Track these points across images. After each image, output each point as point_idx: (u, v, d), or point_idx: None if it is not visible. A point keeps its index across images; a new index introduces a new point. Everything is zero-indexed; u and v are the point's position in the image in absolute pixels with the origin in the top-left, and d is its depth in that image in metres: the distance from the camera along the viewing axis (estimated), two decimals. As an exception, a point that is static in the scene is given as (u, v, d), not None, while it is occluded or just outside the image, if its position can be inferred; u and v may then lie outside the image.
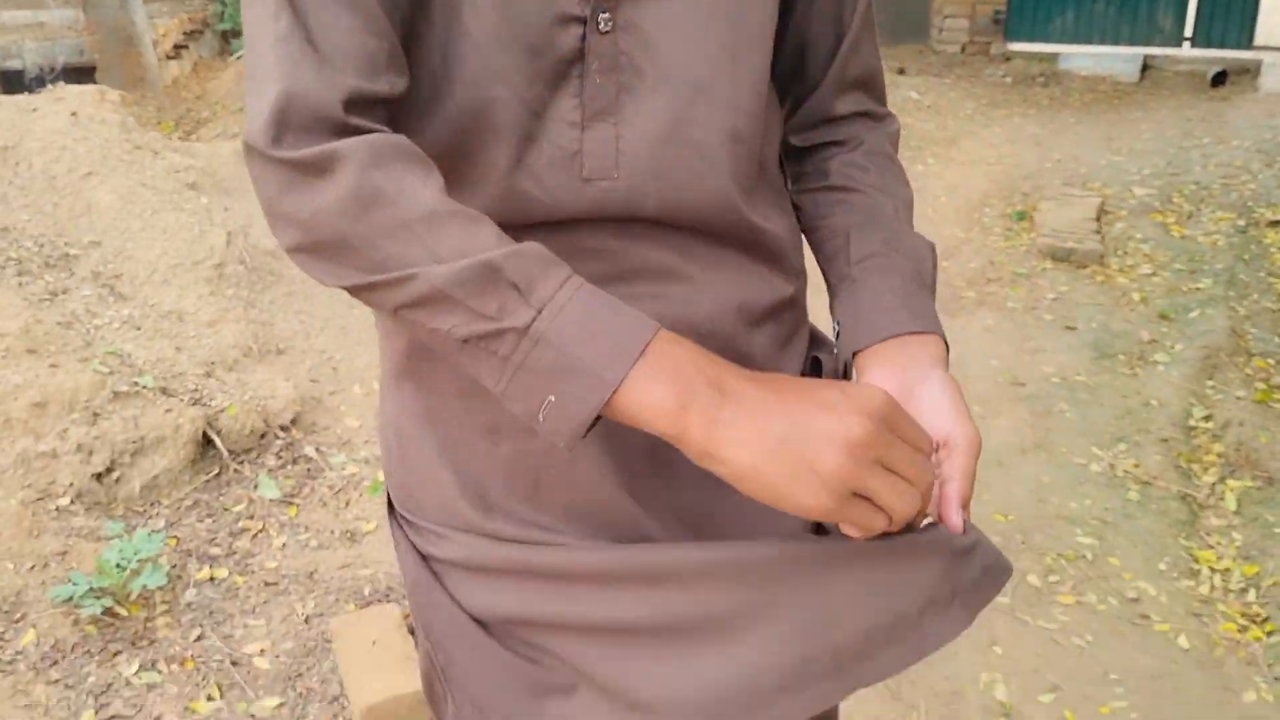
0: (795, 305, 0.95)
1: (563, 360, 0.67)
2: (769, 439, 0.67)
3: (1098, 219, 4.91)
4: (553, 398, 0.67)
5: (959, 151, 5.91)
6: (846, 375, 0.91)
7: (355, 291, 0.72)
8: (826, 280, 0.94)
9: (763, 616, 0.77)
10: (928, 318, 0.86)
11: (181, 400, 2.78)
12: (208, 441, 2.81)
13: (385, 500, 0.99)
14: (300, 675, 2.28)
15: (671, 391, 0.67)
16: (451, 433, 0.87)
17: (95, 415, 2.65)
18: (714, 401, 0.67)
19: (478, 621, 0.88)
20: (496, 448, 0.85)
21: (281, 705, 2.21)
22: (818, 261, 0.97)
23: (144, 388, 2.75)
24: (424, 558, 0.92)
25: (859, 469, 0.66)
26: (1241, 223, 4.91)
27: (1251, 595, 2.63)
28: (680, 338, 0.70)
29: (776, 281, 0.91)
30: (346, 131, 0.71)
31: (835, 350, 0.91)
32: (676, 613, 0.79)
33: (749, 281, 0.88)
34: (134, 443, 2.65)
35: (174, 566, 2.52)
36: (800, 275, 0.95)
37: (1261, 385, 3.53)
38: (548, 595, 0.84)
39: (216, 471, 2.82)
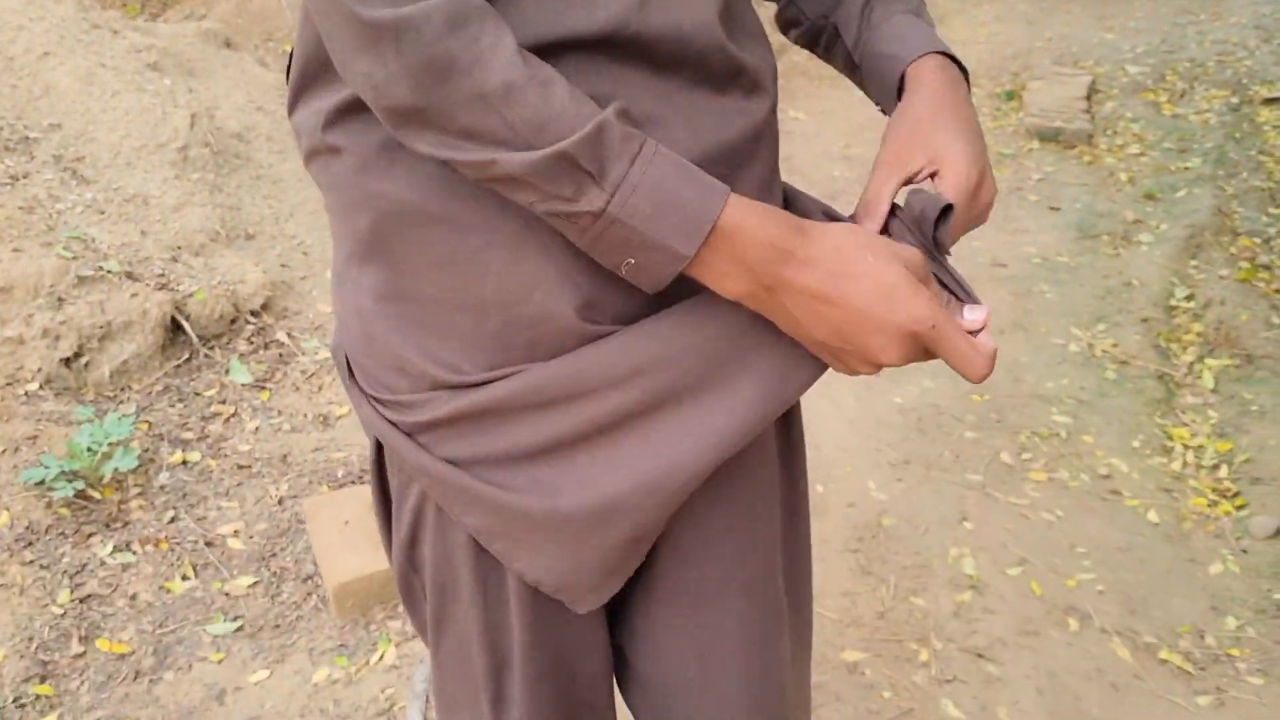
0: (770, 134, 0.92)
1: (637, 237, 0.72)
2: (815, 337, 0.78)
3: (1088, 98, 4.81)
4: (632, 260, 0.74)
5: (948, 30, 5.76)
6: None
7: (438, 160, 0.73)
8: (854, 79, 1.00)
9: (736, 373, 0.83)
10: (919, 44, 0.92)
11: (148, 285, 2.74)
12: (177, 327, 2.78)
13: (345, 372, 0.94)
14: (274, 555, 2.30)
15: (735, 276, 0.75)
16: (428, 310, 0.83)
17: (60, 300, 2.61)
18: (772, 288, 0.76)
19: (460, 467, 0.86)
20: (484, 322, 0.82)
21: (256, 584, 2.23)
22: (836, 67, 1.02)
23: (109, 272, 2.70)
24: (392, 423, 0.89)
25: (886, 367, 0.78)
26: (1235, 100, 4.82)
27: (1223, 471, 2.65)
28: (747, 203, 0.74)
29: (752, 107, 0.88)
30: None
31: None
32: (672, 386, 0.82)
33: (726, 117, 0.85)
34: (101, 328, 2.62)
35: (146, 450, 2.51)
36: (774, 110, 0.92)
37: (1245, 264, 3.51)
38: (549, 415, 0.82)
39: (187, 357, 2.79)
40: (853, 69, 0.98)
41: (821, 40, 1.01)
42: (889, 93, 0.94)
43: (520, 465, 0.85)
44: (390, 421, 0.88)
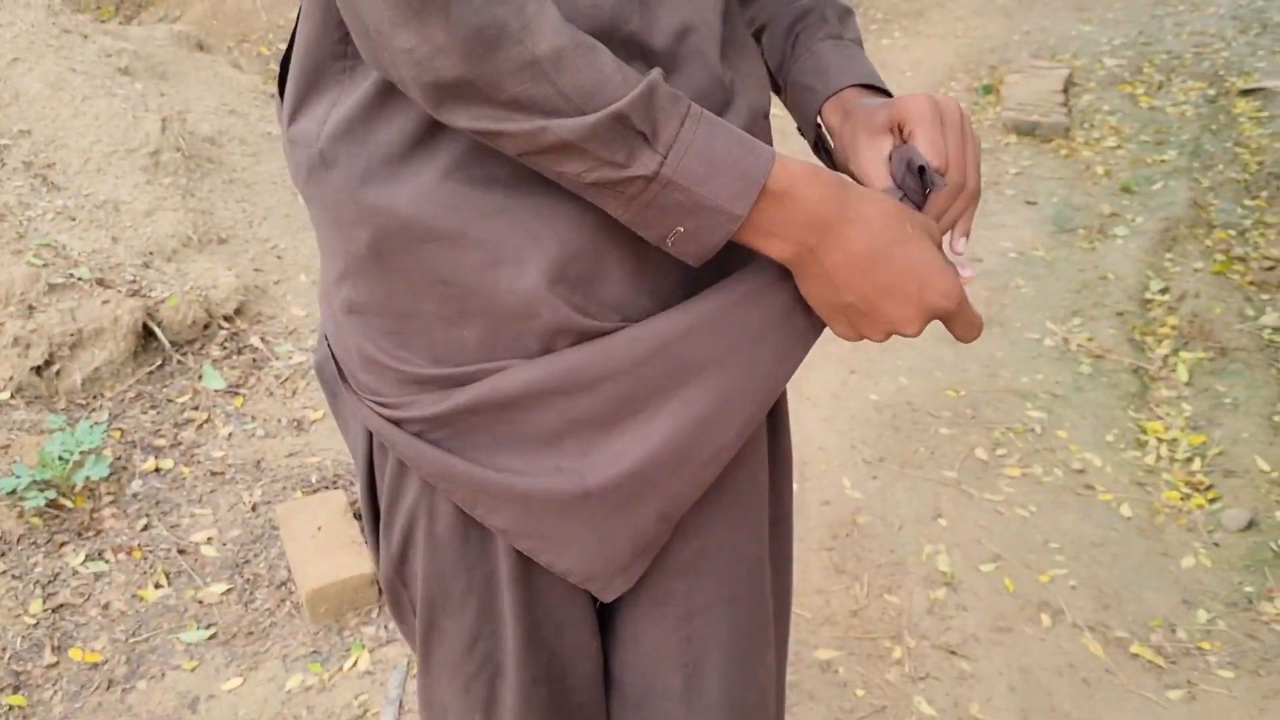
0: (762, 139, 0.92)
1: (690, 200, 0.72)
2: (842, 299, 0.79)
3: (1065, 91, 4.82)
4: (681, 228, 0.73)
5: (926, 24, 5.77)
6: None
7: (478, 135, 0.70)
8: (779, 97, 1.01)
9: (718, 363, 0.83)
10: (838, 76, 0.93)
11: (119, 292, 2.73)
12: (149, 333, 2.77)
13: (334, 375, 0.92)
14: (247, 562, 2.29)
15: (783, 236, 0.76)
16: (430, 324, 0.82)
17: (31, 308, 2.60)
18: (815, 249, 0.77)
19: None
20: (487, 332, 0.81)
21: (229, 591, 2.22)
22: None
23: (80, 279, 2.69)
24: (397, 423, 0.87)
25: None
26: (1212, 92, 4.83)
27: (1196, 464, 2.66)
28: (794, 162, 0.75)
29: (741, 116, 0.89)
30: None
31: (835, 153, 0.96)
32: (696, 359, 0.83)
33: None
34: (72, 335, 2.61)
35: (118, 458, 2.50)
36: (766, 116, 0.93)
37: (1221, 256, 3.52)
38: (574, 397, 0.82)
39: (159, 363, 2.78)
40: (776, 89, 0.99)
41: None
42: (809, 125, 0.96)
43: (543, 450, 0.84)
44: (395, 423, 0.86)
